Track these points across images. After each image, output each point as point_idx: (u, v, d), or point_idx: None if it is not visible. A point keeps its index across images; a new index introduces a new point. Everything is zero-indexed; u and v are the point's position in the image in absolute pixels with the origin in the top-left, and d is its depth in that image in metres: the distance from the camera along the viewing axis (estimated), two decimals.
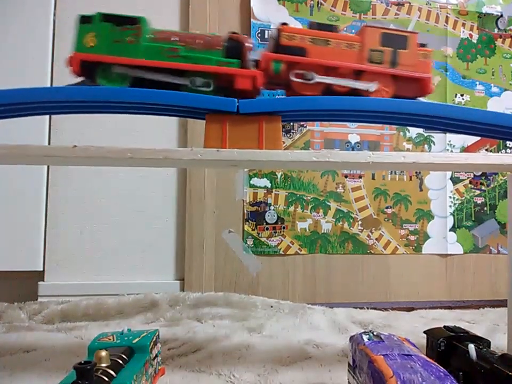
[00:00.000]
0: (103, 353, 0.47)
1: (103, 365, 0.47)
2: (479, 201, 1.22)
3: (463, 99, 1.23)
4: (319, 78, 0.58)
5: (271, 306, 1.02)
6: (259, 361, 0.70)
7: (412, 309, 1.11)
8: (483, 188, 1.22)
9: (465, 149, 1.22)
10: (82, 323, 0.92)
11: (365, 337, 0.55)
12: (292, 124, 1.18)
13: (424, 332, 0.63)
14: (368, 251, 1.17)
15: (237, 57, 0.57)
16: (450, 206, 1.21)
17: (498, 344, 0.80)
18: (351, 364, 0.55)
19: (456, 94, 1.22)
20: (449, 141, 1.22)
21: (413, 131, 1.21)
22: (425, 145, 1.22)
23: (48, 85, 1.07)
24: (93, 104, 0.57)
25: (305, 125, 1.19)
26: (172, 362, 0.70)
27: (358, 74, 0.59)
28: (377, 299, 1.15)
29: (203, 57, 0.56)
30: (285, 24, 0.60)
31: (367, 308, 1.08)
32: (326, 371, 0.66)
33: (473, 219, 1.21)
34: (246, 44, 0.58)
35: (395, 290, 1.16)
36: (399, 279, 1.17)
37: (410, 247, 1.18)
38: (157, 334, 0.60)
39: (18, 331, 0.86)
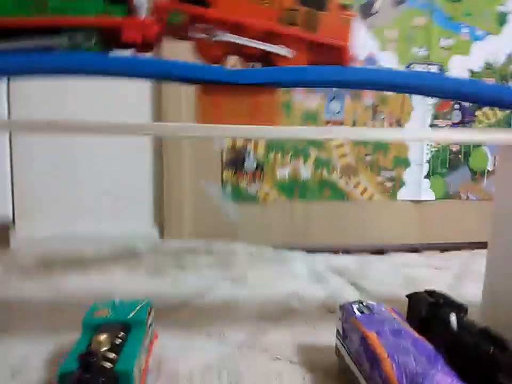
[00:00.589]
0: (102, 337, 0.47)
1: (103, 348, 0.47)
2: (454, 149, 1.24)
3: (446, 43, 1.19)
4: (225, 36, 0.51)
5: (251, 254, 1.04)
6: (247, 318, 0.72)
7: (384, 252, 1.16)
8: None
9: None
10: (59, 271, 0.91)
11: (355, 308, 0.57)
12: None
13: (407, 296, 0.66)
14: (346, 197, 1.19)
15: (122, 2, 0.48)
16: (427, 154, 1.22)
17: (465, 292, 0.86)
18: (341, 332, 0.57)
19: (440, 38, 1.19)
20: None
21: None
22: None
23: None
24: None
25: None
26: (161, 320, 0.72)
27: (268, 36, 0.52)
28: (353, 242, 1.19)
29: (78, 7, 0.47)
30: None
31: (342, 253, 1.13)
32: (311, 328, 0.69)
33: (447, 166, 1.23)
34: None
35: (370, 234, 1.20)
36: (374, 223, 1.21)
37: (386, 194, 1.21)
38: (151, 305, 0.60)
39: None
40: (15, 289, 0.84)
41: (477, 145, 1.24)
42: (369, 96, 1.18)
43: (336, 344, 0.59)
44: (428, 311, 0.61)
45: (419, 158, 1.22)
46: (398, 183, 1.22)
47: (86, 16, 0.47)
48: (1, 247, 1.04)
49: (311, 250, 1.10)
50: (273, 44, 0.52)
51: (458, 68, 1.20)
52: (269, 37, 0.52)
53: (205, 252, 1.02)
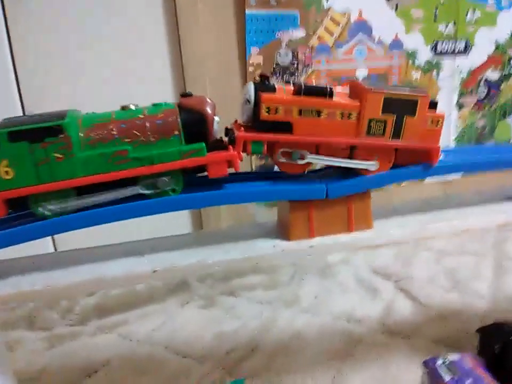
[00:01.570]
0: None
1: None
2: (480, 125, 1.22)
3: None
4: (310, 158, 0.49)
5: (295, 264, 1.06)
6: (318, 359, 0.76)
7: None
8: (485, 110, 1.21)
9: (472, 72, 1.17)
10: (120, 317, 0.93)
11: (442, 370, 0.60)
12: (295, 65, 1.06)
13: (477, 331, 0.69)
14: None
15: (201, 138, 0.45)
16: (454, 133, 1.21)
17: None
18: None
19: (467, 11, 1.11)
20: (457, 65, 1.15)
21: (422, 58, 1.13)
22: (434, 72, 1.15)
23: None
24: None
25: (310, 65, 1.07)
26: (238, 371, 0.75)
27: (354, 149, 0.50)
28: None
29: (160, 154, 0.44)
30: (263, 77, 0.47)
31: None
32: (385, 366, 0.73)
33: (474, 143, 1.23)
34: (209, 114, 0.45)
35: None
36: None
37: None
38: None
39: (62, 342, 0.86)
40: (86, 344, 0.86)
41: (502, 118, 1.22)
42: (394, 82, 1.13)
43: None
44: (501, 347, 0.65)
45: (446, 139, 1.20)
46: None
47: (168, 163, 0.44)
48: None
49: None
50: (358, 157, 0.50)
51: (485, 40, 1.14)
52: (353, 149, 0.50)
53: (250, 270, 1.03)
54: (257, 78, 0.48)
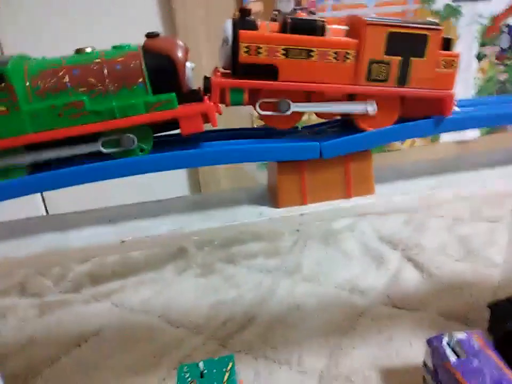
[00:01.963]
0: None
1: None
2: (502, 78, 1.12)
3: None
4: (296, 107, 0.42)
5: (297, 230, 1.01)
6: (317, 332, 0.71)
7: None
8: (507, 62, 1.10)
9: (494, 19, 1.06)
10: (114, 284, 0.89)
11: (448, 349, 0.55)
12: (298, 11, 0.96)
13: (488, 306, 0.64)
14: (386, 149, 1.11)
15: (171, 87, 0.38)
16: (473, 88, 1.11)
17: None
18: (431, 369, 0.56)
19: None
20: (478, 12, 1.04)
21: (440, 2, 1.02)
22: (452, 18, 1.04)
23: None
24: None
25: (314, 11, 0.97)
26: (233, 344, 0.71)
27: (351, 98, 0.43)
28: None
29: (122, 106, 0.37)
30: (244, 12, 0.39)
31: None
32: (388, 341, 0.69)
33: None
34: (178, 58, 0.38)
35: None
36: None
37: (428, 138, 1.13)
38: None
39: (53, 309, 0.83)
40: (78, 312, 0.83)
41: None
42: None
43: (424, 377, 0.58)
44: None
45: (466, 93, 1.10)
46: None
47: (134, 116, 0.37)
48: None
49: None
50: (356, 103, 0.42)
51: None
52: (351, 97, 0.42)
53: (251, 236, 0.98)
54: (237, 13, 0.40)
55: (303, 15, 0.41)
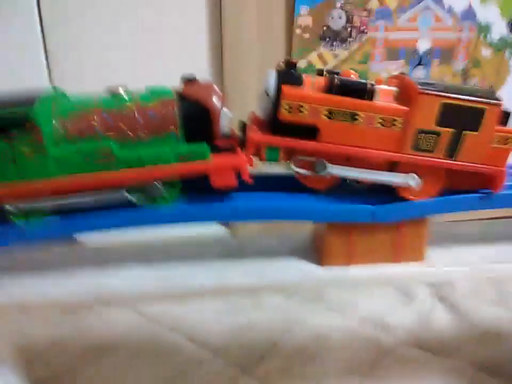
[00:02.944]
0: None
1: None
2: None
3: None
4: (334, 169, 0.39)
5: None
6: (338, 369, 0.70)
7: None
8: None
9: None
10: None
11: None
12: (348, 30, 0.93)
13: None
14: None
15: (204, 136, 0.36)
16: None
17: None
18: None
19: None
20: None
21: (495, 34, 0.97)
22: (507, 51, 0.99)
23: None
24: None
25: (366, 30, 0.93)
26: (253, 372, 0.70)
27: (394, 166, 0.40)
28: None
29: (151, 155, 0.35)
30: (289, 64, 0.37)
31: None
32: None
33: None
34: (214, 107, 0.36)
35: None
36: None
37: None
38: None
39: (75, 313, 0.83)
40: None
41: None
42: (460, 59, 0.99)
43: None
44: None
45: None
46: None
47: (164, 166, 0.36)
48: None
49: None
50: (398, 175, 0.40)
51: None
52: (393, 164, 0.40)
53: None
54: (281, 64, 0.38)
55: (353, 75, 0.38)
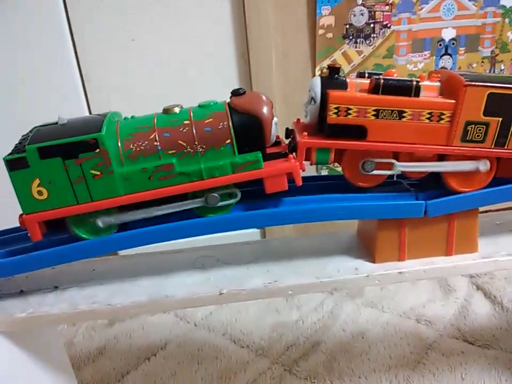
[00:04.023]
0: None
1: None
2: None
3: None
4: (400, 167, 0.41)
5: None
6: (384, 365, 0.70)
7: None
8: None
9: None
10: None
11: None
12: (371, 25, 0.93)
13: None
14: None
15: (257, 145, 0.38)
16: None
17: None
18: None
19: None
20: None
21: None
22: None
23: None
24: None
25: (389, 25, 0.93)
26: (298, 370, 0.71)
27: (443, 159, 0.41)
28: None
29: (209, 167, 0.37)
30: (333, 69, 0.38)
31: None
32: (459, 380, 0.67)
33: None
34: (266, 117, 0.37)
35: None
36: None
37: None
38: None
39: (122, 319, 0.85)
40: None
41: None
42: (486, 45, 0.98)
43: None
44: None
45: None
46: None
47: (221, 177, 0.38)
48: None
49: None
50: (464, 162, 0.40)
51: None
52: (441, 157, 0.41)
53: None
54: (325, 71, 0.39)
55: (396, 75, 0.39)
